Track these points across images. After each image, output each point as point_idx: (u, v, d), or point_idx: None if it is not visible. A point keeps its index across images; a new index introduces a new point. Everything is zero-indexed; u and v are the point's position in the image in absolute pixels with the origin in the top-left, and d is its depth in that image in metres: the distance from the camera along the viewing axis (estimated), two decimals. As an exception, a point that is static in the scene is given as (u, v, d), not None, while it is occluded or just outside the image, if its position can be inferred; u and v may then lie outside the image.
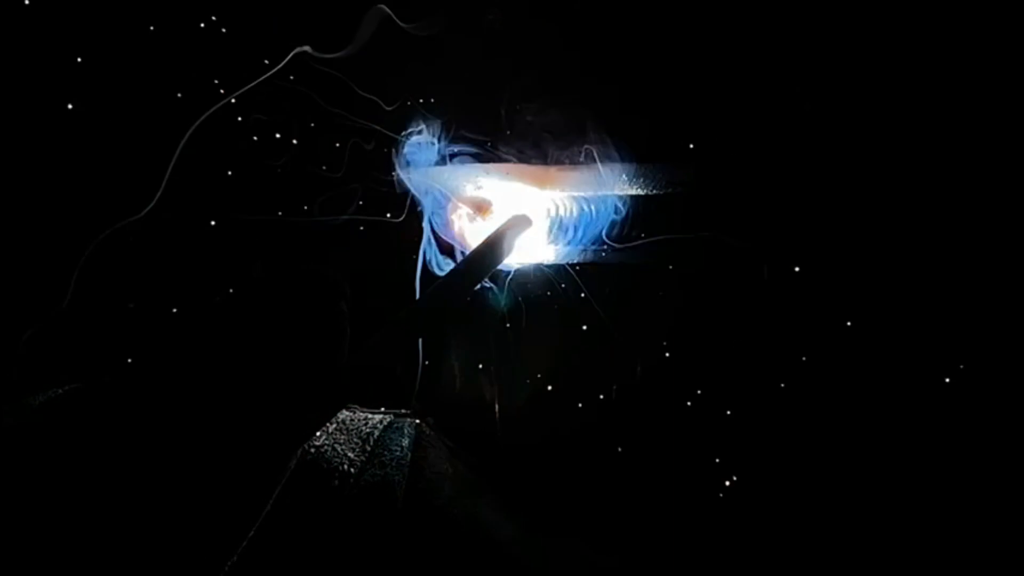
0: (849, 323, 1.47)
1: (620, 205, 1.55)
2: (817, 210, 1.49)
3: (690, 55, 1.49)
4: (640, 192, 1.53)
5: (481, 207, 1.58)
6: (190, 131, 1.39)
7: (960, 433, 1.42)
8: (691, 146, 1.49)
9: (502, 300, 1.55)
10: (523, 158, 1.53)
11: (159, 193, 1.50)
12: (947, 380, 1.43)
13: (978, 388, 1.43)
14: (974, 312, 1.45)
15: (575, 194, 1.56)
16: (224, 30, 1.52)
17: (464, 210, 1.56)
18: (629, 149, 1.49)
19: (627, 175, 1.52)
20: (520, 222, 1.51)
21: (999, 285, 1.44)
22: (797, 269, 1.49)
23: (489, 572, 1.32)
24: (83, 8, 1.48)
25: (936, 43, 1.45)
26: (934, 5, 1.45)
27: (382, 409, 1.49)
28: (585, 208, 1.56)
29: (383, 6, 1.42)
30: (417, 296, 1.44)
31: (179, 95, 1.52)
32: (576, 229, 1.56)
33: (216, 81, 1.50)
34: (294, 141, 1.56)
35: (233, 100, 1.48)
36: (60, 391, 1.38)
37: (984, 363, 1.43)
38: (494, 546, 1.33)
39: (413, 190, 1.54)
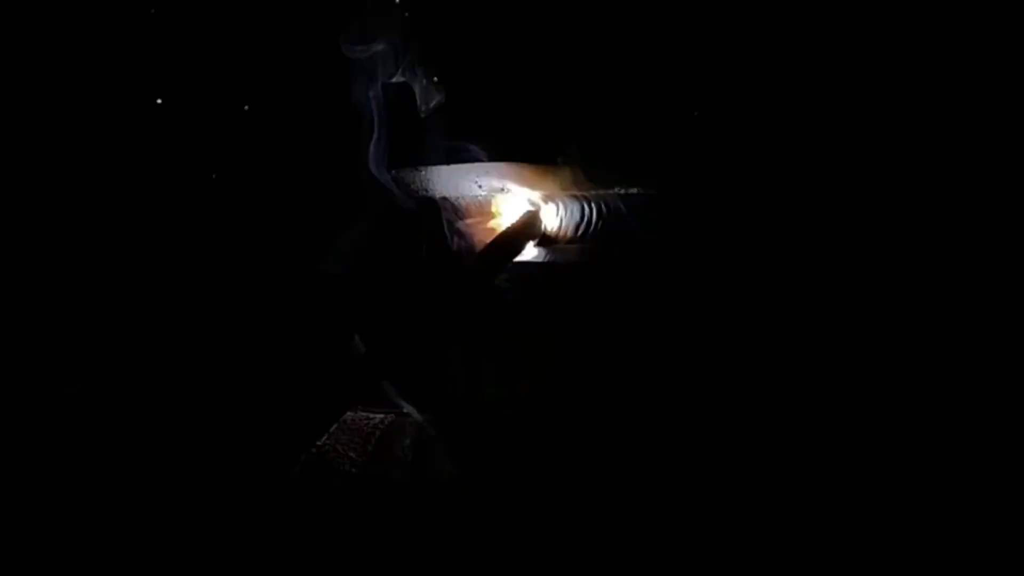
0: (845, 324, 1.48)
1: (619, 204, 1.55)
2: (815, 210, 1.49)
3: (689, 55, 1.49)
4: (637, 191, 1.54)
5: (484, 208, 1.58)
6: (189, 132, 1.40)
7: (956, 433, 1.43)
8: (684, 149, 1.49)
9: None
10: (523, 157, 1.52)
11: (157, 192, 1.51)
12: (944, 380, 1.44)
13: (975, 388, 1.43)
14: (971, 312, 1.45)
15: (575, 193, 1.56)
16: (223, 30, 1.52)
17: (467, 211, 1.56)
18: (627, 149, 1.49)
19: (626, 174, 1.52)
20: (530, 221, 1.53)
21: (999, 286, 1.44)
22: (792, 267, 1.49)
23: (486, 570, 1.34)
24: (81, 8, 1.48)
25: (935, 43, 1.45)
26: (934, 5, 1.45)
27: (383, 409, 1.50)
28: (584, 207, 1.56)
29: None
30: (415, 300, 1.45)
31: (178, 95, 1.52)
32: (576, 228, 1.57)
33: (215, 81, 1.50)
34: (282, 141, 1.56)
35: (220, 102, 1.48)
36: (60, 392, 1.39)
37: (982, 364, 1.44)
38: (491, 543, 1.35)
39: (406, 191, 1.54)
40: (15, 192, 1.49)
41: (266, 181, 1.55)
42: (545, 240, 1.57)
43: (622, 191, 1.54)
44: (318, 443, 1.40)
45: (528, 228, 1.51)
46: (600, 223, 1.56)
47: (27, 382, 1.44)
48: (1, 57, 1.46)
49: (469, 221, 1.56)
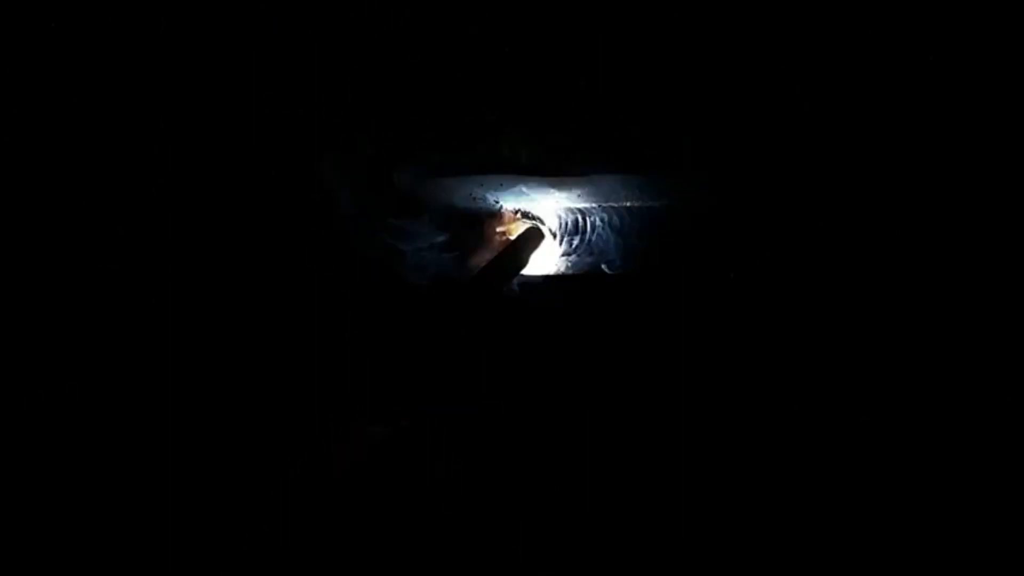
0: (847, 327, 1.48)
1: (625, 216, 1.55)
2: (816, 212, 1.50)
3: (689, 61, 1.49)
4: (642, 204, 1.54)
5: (496, 218, 1.58)
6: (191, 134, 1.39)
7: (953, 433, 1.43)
8: (687, 157, 1.48)
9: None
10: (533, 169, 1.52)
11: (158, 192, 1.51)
12: (944, 382, 1.44)
13: (975, 388, 1.44)
14: (972, 313, 1.45)
15: (584, 206, 1.56)
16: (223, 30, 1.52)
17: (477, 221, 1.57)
18: (631, 159, 1.49)
19: (632, 186, 1.52)
20: (534, 235, 1.54)
21: (999, 287, 1.44)
22: (795, 273, 1.49)
23: (486, 570, 1.34)
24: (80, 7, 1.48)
25: (935, 43, 1.45)
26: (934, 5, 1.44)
27: (384, 412, 1.49)
28: (592, 220, 1.56)
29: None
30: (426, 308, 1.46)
31: (178, 96, 1.52)
32: (584, 241, 1.57)
33: (214, 81, 1.50)
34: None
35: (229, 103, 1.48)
36: (59, 392, 1.39)
37: (982, 364, 1.44)
38: (491, 543, 1.35)
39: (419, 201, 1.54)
40: (15, 192, 1.49)
41: (265, 181, 1.55)
42: (547, 252, 1.58)
43: (621, 203, 1.55)
44: (318, 444, 1.40)
45: (531, 241, 1.53)
46: (598, 234, 1.57)
47: (27, 382, 1.44)
48: (1, 57, 1.46)
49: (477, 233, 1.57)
